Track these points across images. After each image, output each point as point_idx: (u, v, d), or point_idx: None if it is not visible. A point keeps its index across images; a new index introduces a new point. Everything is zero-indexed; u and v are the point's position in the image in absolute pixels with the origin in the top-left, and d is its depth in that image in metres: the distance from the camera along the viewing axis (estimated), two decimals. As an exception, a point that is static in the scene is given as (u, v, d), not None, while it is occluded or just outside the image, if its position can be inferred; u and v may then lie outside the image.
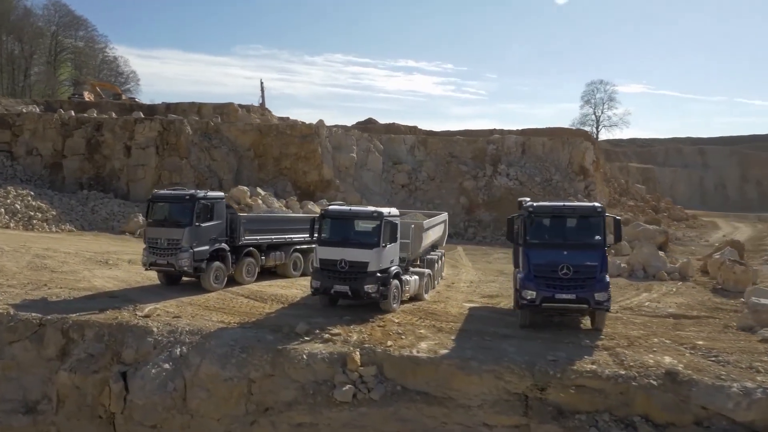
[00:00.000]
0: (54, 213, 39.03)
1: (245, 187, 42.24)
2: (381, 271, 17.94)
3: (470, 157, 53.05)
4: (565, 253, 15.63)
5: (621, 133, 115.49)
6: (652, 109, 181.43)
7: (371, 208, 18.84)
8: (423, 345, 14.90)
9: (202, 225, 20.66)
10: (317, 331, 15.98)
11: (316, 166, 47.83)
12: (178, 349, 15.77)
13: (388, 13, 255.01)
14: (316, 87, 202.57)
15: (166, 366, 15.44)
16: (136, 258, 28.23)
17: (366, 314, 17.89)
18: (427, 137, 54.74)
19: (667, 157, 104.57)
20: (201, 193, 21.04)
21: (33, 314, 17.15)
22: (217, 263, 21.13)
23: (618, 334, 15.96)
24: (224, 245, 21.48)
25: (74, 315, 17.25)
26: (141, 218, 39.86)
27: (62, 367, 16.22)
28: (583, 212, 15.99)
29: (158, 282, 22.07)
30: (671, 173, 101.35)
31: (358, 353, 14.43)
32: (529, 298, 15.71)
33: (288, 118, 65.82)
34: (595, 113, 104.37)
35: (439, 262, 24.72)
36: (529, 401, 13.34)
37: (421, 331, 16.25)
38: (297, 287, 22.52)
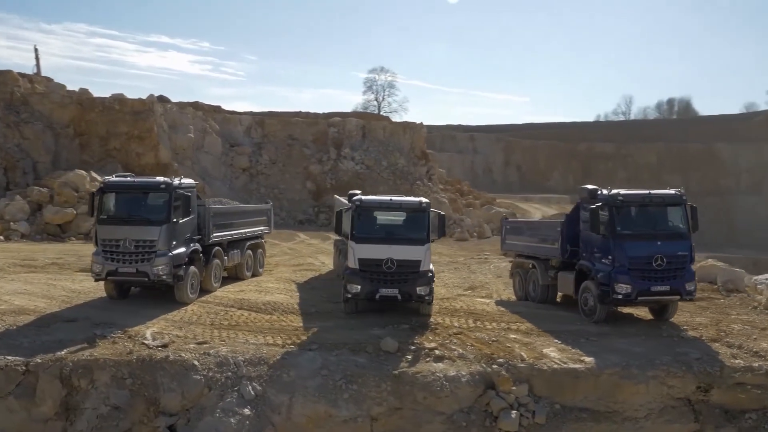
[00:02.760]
0: None
1: (83, 172, 35.37)
2: (429, 270, 15.71)
3: (311, 140, 50.62)
4: (659, 243, 14.98)
5: (401, 119, 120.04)
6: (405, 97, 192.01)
7: (415, 198, 16.36)
8: (553, 353, 13.19)
9: (180, 221, 16.30)
10: (412, 347, 13.37)
11: (152, 148, 41.70)
12: (249, 387, 12.08)
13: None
14: (56, 59, 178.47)
15: (246, 411, 11.74)
16: (2, 264, 22.01)
17: (408, 319, 15.57)
18: (264, 118, 51.02)
19: (443, 143, 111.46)
20: (176, 181, 16.55)
21: (9, 358, 11.94)
22: (193, 269, 16.86)
23: (692, 323, 15.77)
24: (198, 245, 17.24)
25: (62, 353, 12.41)
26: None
27: (75, 428, 11.51)
28: (669, 200, 15.44)
29: (100, 295, 17.10)
30: (448, 158, 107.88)
31: (504, 371, 12.28)
32: (624, 292, 14.80)
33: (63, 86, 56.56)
34: (377, 99, 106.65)
35: None
36: (693, 405, 12.45)
37: (513, 336, 14.46)
38: (275, 292, 19.06)
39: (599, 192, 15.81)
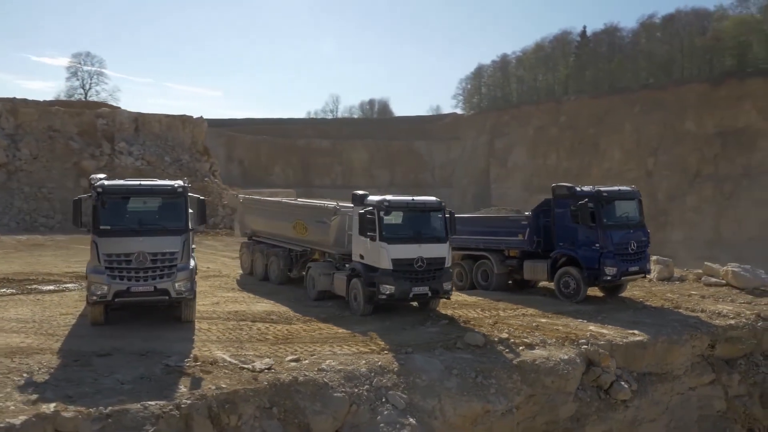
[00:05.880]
0: None
1: None
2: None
3: (77, 133, 45.05)
4: (631, 231, 17.81)
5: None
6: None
7: (433, 198, 16.65)
8: (603, 331, 15.00)
9: (193, 229, 14.38)
10: (495, 339, 14.05)
11: None
12: (397, 397, 11.69)
13: None
14: None
15: (411, 420, 11.36)
16: None
17: (426, 315, 16.28)
18: (17, 106, 43.67)
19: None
20: (185, 183, 14.42)
21: (152, 403, 9.72)
22: (194, 282, 14.92)
23: (638, 296, 19.02)
24: (192, 255, 15.28)
25: (181, 389, 10.50)
26: None
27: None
28: (633, 195, 18.32)
29: (66, 322, 14.41)
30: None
31: (600, 350, 13.75)
32: (612, 273, 17.31)
33: None
34: (83, 87, 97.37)
35: None
36: (707, 359, 15.44)
37: (542, 320, 15.99)
38: (248, 301, 17.93)
39: (578, 189, 18.07)
